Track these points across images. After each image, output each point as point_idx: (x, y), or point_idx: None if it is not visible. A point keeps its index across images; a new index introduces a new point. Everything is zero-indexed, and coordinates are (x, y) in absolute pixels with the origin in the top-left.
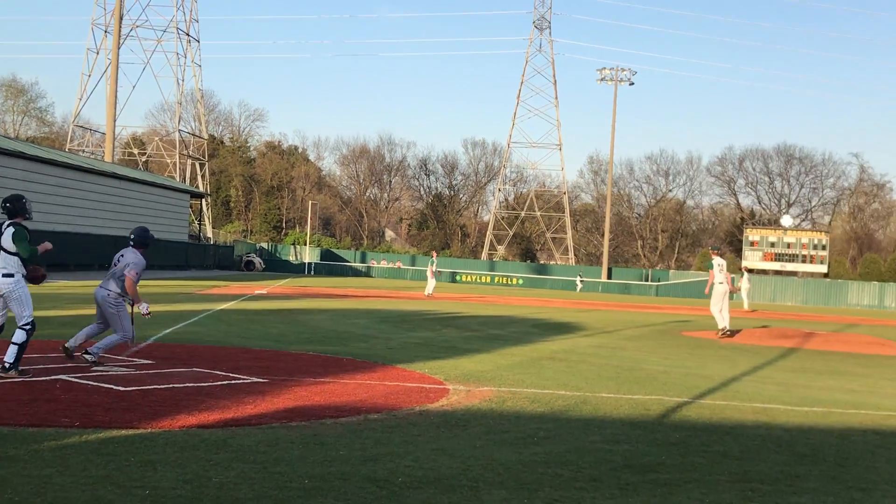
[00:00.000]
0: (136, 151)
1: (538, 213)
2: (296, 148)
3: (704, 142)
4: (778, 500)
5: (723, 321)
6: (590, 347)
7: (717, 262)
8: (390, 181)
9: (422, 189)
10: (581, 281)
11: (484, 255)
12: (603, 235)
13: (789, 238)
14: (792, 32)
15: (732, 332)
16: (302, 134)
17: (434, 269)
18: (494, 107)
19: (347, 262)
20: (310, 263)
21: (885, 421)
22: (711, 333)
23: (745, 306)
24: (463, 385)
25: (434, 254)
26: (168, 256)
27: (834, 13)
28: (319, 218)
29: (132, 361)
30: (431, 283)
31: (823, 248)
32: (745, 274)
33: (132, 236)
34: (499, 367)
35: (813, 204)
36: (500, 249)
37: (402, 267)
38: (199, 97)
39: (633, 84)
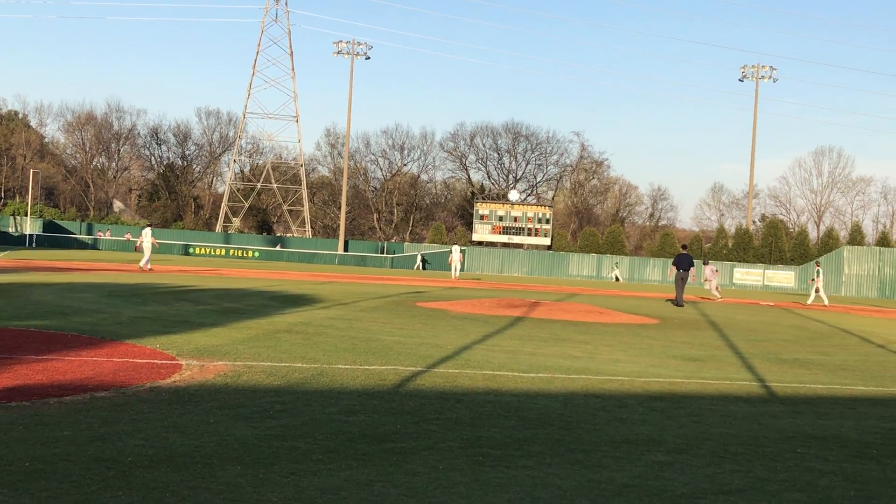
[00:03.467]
0: None
1: (275, 186)
2: (16, 113)
3: (438, 118)
4: (507, 463)
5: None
6: (327, 319)
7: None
8: (119, 150)
9: (153, 159)
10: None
11: (219, 228)
12: (339, 208)
13: (516, 212)
14: (521, 14)
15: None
16: (23, 99)
17: (142, 241)
18: (230, 76)
19: (72, 233)
20: (31, 235)
21: (603, 385)
22: (445, 303)
23: (718, 296)
24: (196, 360)
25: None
26: None
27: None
28: (42, 188)
29: None
30: (149, 253)
31: (547, 221)
32: (709, 264)
33: None
34: (234, 340)
35: (538, 180)
36: (236, 222)
37: (132, 239)
38: None
39: (368, 58)
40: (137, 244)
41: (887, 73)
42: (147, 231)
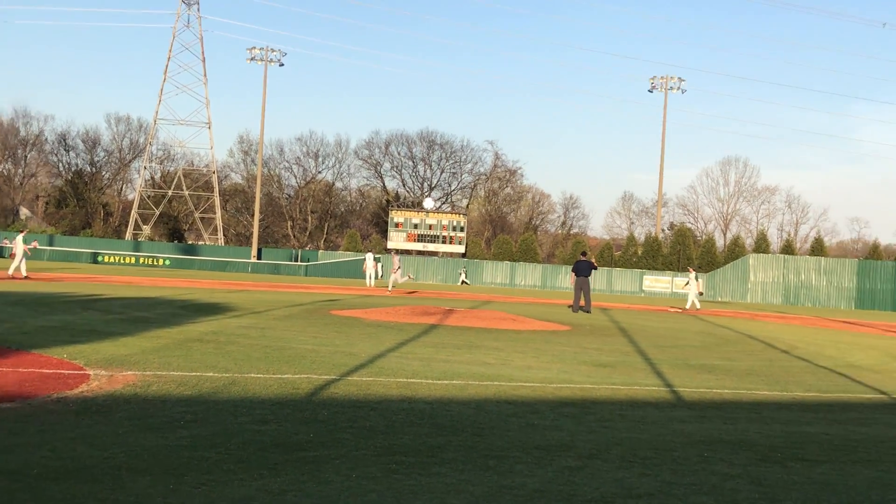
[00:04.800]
0: None
1: (186, 193)
2: None
3: (353, 125)
4: (420, 471)
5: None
6: (239, 328)
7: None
8: (26, 156)
9: (61, 165)
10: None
11: (128, 235)
12: (253, 216)
13: (431, 220)
14: (434, 23)
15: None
16: None
17: (19, 247)
18: (141, 82)
19: None
20: None
21: (515, 391)
22: (359, 311)
23: (688, 305)
24: (105, 370)
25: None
26: None
27: (473, 8)
28: None
29: None
30: (18, 260)
31: (462, 229)
32: (692, 274)
33: None
34: (144, 350)
35: (453, 188)
36: (146, 229)
37: (39, 247)
38: None
39: (282, 65)
40: (12, 251)
41: (792, 84)
42: (19, 238)
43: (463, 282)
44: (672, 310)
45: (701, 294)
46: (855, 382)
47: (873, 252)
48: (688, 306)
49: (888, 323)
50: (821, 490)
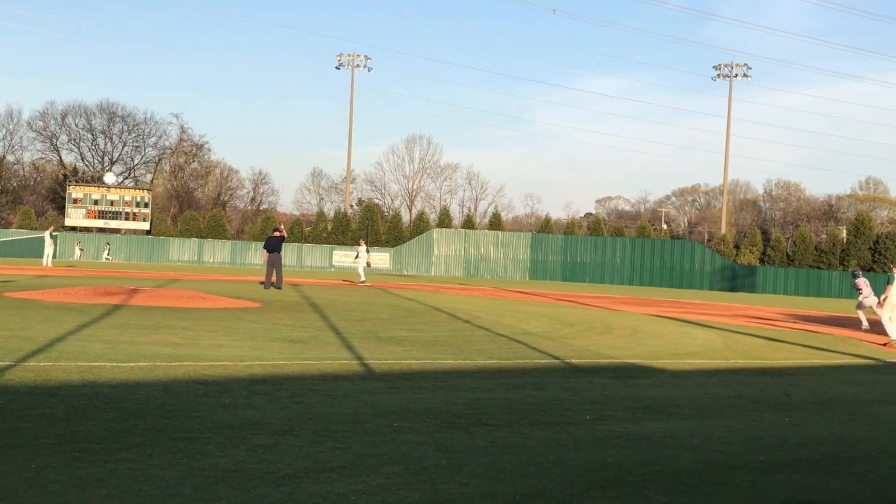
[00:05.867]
0: None
1: None
2: None
3: (25, 95)
4: (106, 457)
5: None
6: None
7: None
8: None
9: None
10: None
11: None
12: None
13: (113, 195)
14: None
15: None
16: None
17: None
18: None
19: None
20: None
21: (206, 371)
22: (35, 293)
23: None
24: None
25: None
26: None
27: None
28: None
29: None
30: None
31: (146, 205)
32: (363, 247)
33: None
34: None
35: (136, 162)
36: None
37: None
38: None
39: None
40: None
41: (473, 66)
42: None
43: (106, 258)
44: (346, 284)
45: (369, 265)
46: (531, 349)
47: (545, 226)
48: (363, 279)
49: (558, 292)
50: (502, 453)
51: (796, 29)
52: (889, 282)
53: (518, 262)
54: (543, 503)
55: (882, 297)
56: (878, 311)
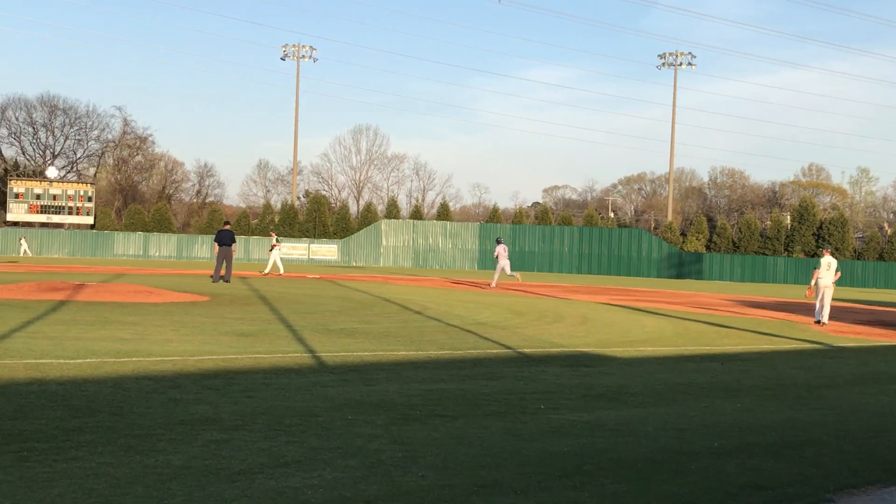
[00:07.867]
0: None
1: None
2: None
3: None
4: (55, 456)
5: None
6: None
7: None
8: None
9: None
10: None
11: None
12: None
13: (55, 190)
14: None
15: None
16: None
17: None
18: None
19: None
20: None
21: (155, 366)
22: None
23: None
24: None
25: None
26: None
27: None
28: None
29: None
30: None
31: (90, 199)
32: (273, 238)
33: None
34: None
35: (78, 156)
36: None
37: None
38: None
39: None
40: None
41: (417, 56)
42: None
43: (25, 252)
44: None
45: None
46: (483, 339)
47: (493, 215)
48: (267, 270)
49: (507, 282)
50: (458, 444)
51: (737, 17)
52: (817, 266)
53: (467, 253)
54: (501, 493)
55: (812, 281)
56: (809, 297)
